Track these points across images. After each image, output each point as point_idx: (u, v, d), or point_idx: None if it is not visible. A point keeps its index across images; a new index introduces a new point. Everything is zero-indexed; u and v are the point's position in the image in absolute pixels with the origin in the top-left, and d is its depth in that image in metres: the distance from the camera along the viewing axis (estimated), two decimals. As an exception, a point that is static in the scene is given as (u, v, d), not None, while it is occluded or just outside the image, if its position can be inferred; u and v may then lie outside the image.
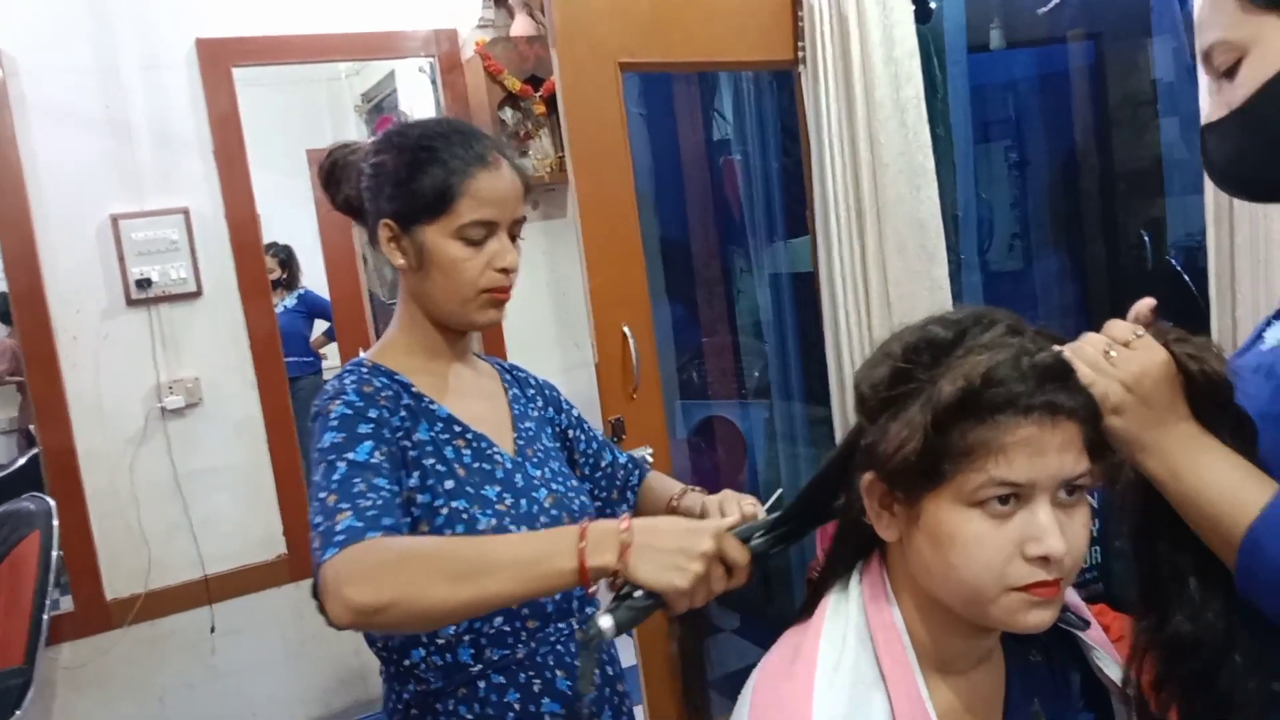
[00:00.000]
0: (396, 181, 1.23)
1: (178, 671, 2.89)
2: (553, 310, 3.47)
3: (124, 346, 2.78)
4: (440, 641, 1.20)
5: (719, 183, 3.73)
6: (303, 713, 3.09)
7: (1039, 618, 0.80)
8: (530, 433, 1.36)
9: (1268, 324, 0.99)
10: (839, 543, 0.94)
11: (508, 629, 1.22)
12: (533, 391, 1.45)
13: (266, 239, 4.38)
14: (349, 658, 3.13)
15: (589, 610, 1.31)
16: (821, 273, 2.70)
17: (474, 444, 1.26)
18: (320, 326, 4.60)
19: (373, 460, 1.12)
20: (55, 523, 2.59)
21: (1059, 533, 0.77)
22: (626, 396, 2.35)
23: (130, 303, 2.78)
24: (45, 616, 2.50)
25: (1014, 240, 3.66)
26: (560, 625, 1.28)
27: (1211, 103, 0.93)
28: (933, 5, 2.83)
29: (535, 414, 1.41)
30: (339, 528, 1.03)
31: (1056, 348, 0.84)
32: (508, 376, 1.43)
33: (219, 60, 2.87)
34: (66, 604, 2.80)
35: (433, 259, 1.22)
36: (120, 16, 2.75)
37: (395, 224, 1.24)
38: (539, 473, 1.31)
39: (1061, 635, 0.92)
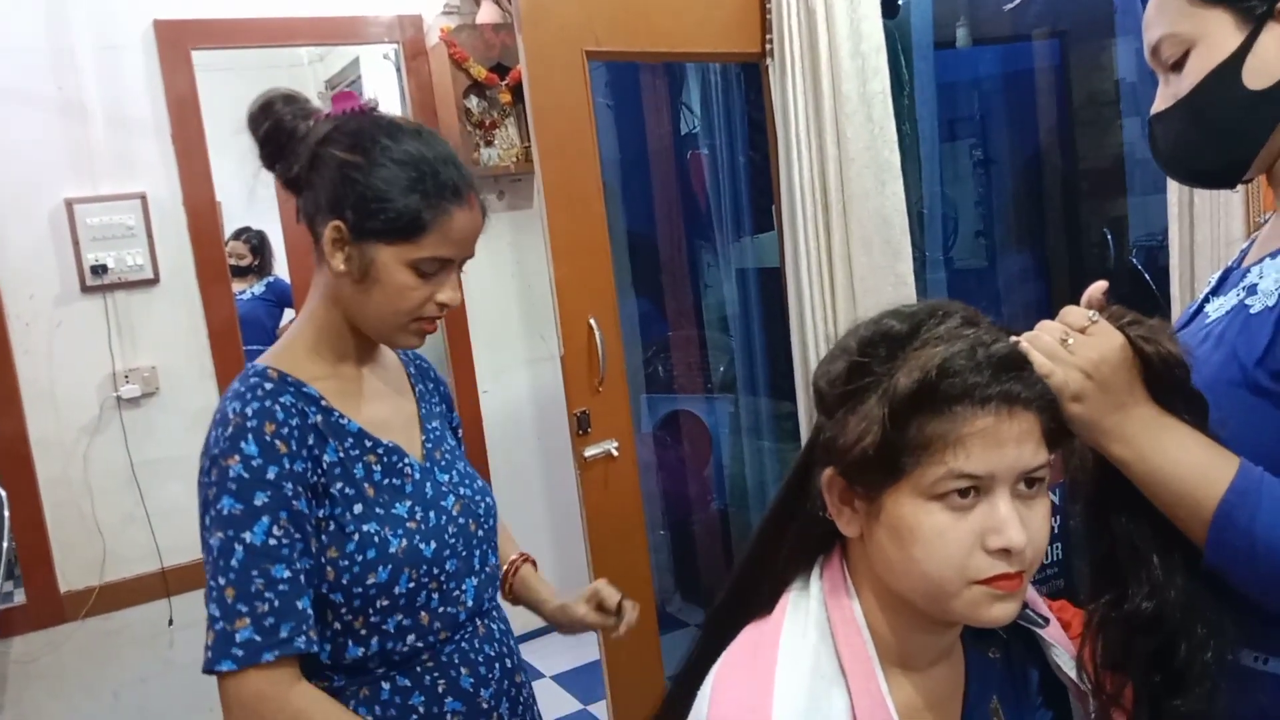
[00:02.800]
0: (365, 192, 1.16)
1: (133, 665, 2.85)
2: (518, 302, 3.45)
3: (79, 334, 2.73)
4: (348, 661, 1.19)
5: (686, 176, 3.72)
6: (260, 706, 3.05)
7: (1002, 611, 0.80)
8: (436, 433, 1.34)
9: (1206, 299, 1.03)
10: (798, 538, 0.93)
11: (421, 645, 1.22)
12: (433, 385, 1.43)
13: (227, 226, 4.33)
14: (308, 651, 3.09)
15: (487, 605, 1.31)
16: (787, 267, 2.70)
17: (384, 458, 1.22)
18: (289, 315, 4.54)
19: (269, 543, 1.09)
20: (6, 513, 2.54)
21: (1019, 524, 0.77)
22: (592, 389, 2.33)
23: (85, 289, 2.72)
24: (-5, 609, 2.45)
25: (978, 237, 3.68)
26: (469, 628, 1.28)
27: (1159, 95, 0.97)
28: (900, 1, 2.83)
29: (439, 411, 1.39)
30: (237, 639, 1.06)
31: (1014, 339, 0.84)
32: (412, 369, 1.39)
33: (177, 42, 2.82)
34: (19, 597, 2.74)
35: (379, 278, 1.17)
36: (75, -5, 2.69)
37: (348, 230, 1.17)
38: (446, 478, 1.29)
39: (1020, 632, 0.93)
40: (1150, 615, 0.87)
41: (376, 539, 1.16)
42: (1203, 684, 0.85)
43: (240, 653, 1.05)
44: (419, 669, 1.22)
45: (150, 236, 2.79)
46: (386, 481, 1.21)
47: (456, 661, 1.25)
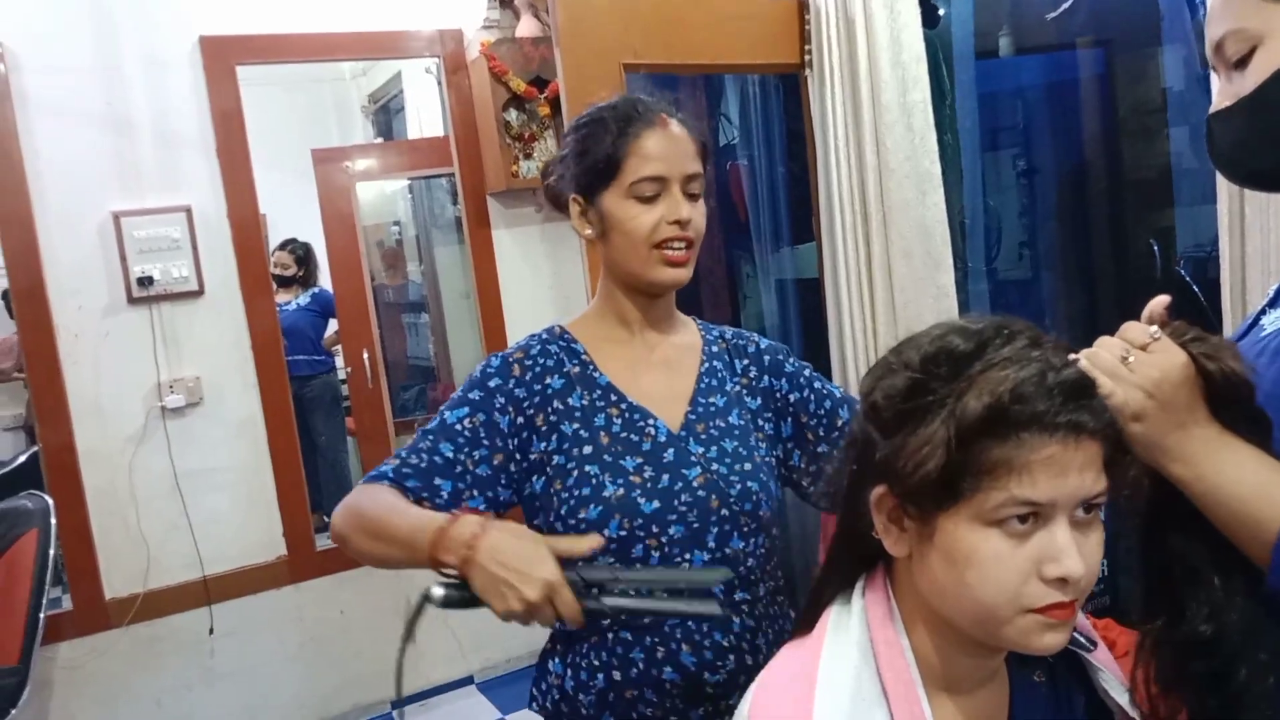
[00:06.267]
0: (575, 157, 1.33)
1: (175, 673, 2.88)
2: (555, 314, 3.46)
3: (125, 345, 2.77)
4: None
5: (725, 187, 3.71)
6: (300, 716, 3.08)
7: (1053, 640, 0.77)
8: (711, 409, 1.35)
9: (1263, 311, 1.00)
10: (839, 555, 0.91)
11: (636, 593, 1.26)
12: (746, 363, 1.43)
13: (272, 238, 4.38)
14: (349, 661, 3.11)
15: (737, 596, 1.31)
16: (827, 278, 2.68)
17: (627, 415, 1.30)
18: (334, 325, 4.58)
19: (457, 425, 1.26)
20: (53, 521, 2.58)
21: (1077, 554, 0.75)
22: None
23: (131, 300, 2.77)
24: (42, 615, 2.49)
25: (1022, 249, 3.63)
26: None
27: (1219, 93, 0.93)
28: (940, 11, 2.80)
29: (735, 388, 1.40)
30: (381, 467, 1.23)
31: (1073, 356, 0.82)
32: (715, 348, 1.43)
33: (222, 58, 2.86)
34: (65, 603, 2.79)
35: (612, 222, 1.30)
36: (123, 13, 2.75)
37: (581, 198, 1.33)
38: (701, 450, 1.30)
39: (1067, 656, 0.90)
40: (1209, 638, 0.84)
41: (594, 480, 1.25)
42: (1261, 710, 0.82)
43: (373, 474, 1.23)
44: (640, 630, 1.25)
45: (195, 249, 2.83)
46: (625, 435, 1.29)
47: (679, 636, 1.25)
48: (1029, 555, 0.76)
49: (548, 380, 1.31)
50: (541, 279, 3.39)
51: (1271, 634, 0.84)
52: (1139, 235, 3.34)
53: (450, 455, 1.24)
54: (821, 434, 1.40)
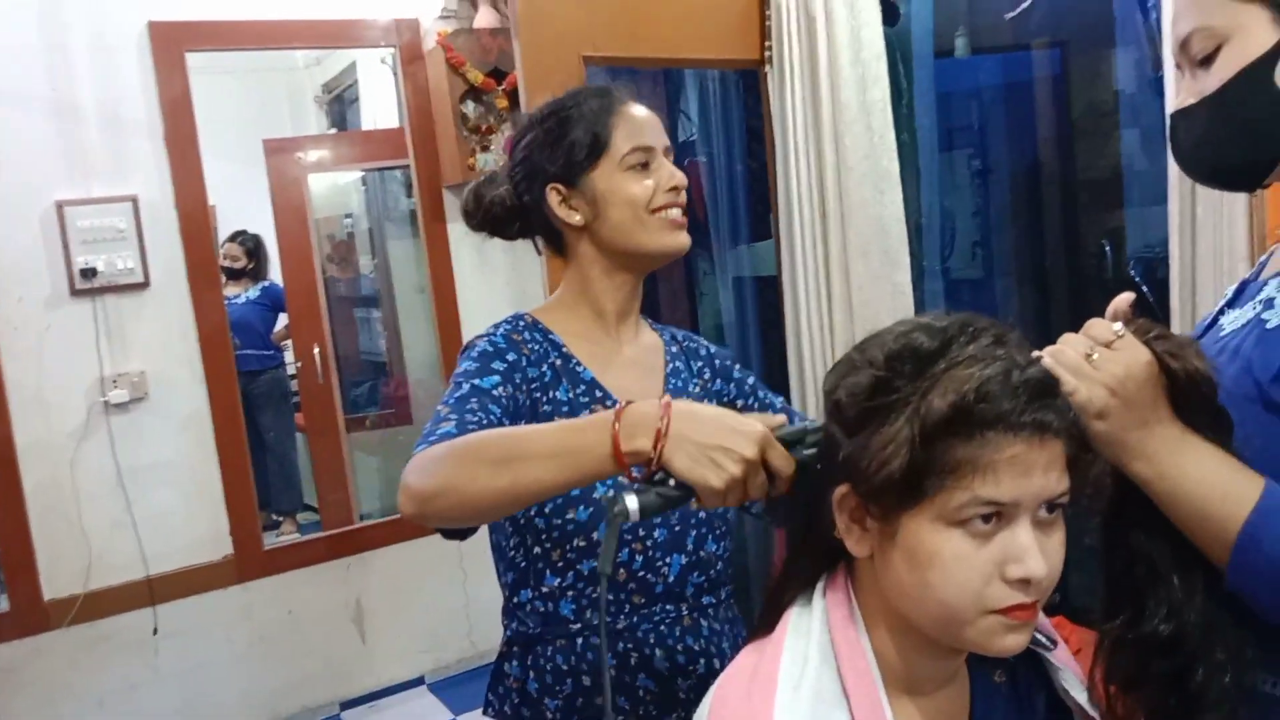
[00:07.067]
0: (550, 146, 1.29)
1: (119, 673, 2.81)
2: (512, 309, 3.42)
3: (67, 338, 2.70)
4: (545, 590, 1.24)
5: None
6: (248, 717, 3.02)
7: (1015, 641, 0.77)
8: None
9: (1222, 311, 1.00)
10: (799, 556, 0.90)
11: (611, 598, 1.22)
12: (700, 365, 1.42)
13: (222, 230, 4.30)
14: (298, 661, 3.06)
15: (705, 600, 1.29)
16: (785, 276, 2.68)
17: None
18: (284, 319, 4.51)
19: (494, 391, 1.18)
20: (-10, 519, 2.51)
21: (1040, 554, 0.75)
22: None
23: (74, 293, 2.69)
24: (-23, 616, 2.42)
25: (975, 248, 3.66)
26: (669, 607, 1.26)
27: (1183, 91, 0.94)
28: (900, 9, 2.81)
29: (697, 389, 1.39)
30: (437, 433, 1.09)
31: (1037, 354, 0.81)
32: (674, 349, 1.41)
33: (172, 44, 2.79)
34: (2, 604, 2.71)
35: (606, 198, 1.27)
36: (69, -5, 2.66)
37: (561, 184, 1.29)
38: None
39: (1027, 656, 0.90)
40: (1168, 637, 0.84)
41: None
42: (1220, 709, 0.83)
43: (434, 439, 1.07)
44: (613, 634, 1.23)
45: (141, 240, 2.76)
46: None
47: (653, 641, 1.24)
48: (991, 556, 0.75)
49: (542, 368, 1.27)
50: (497, 273, 3.36)
51: (1230, 633, 0.84)
52: (1091, 236, 3.38)
53: (500, 418, 1.15)
54: None
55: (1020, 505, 0.75)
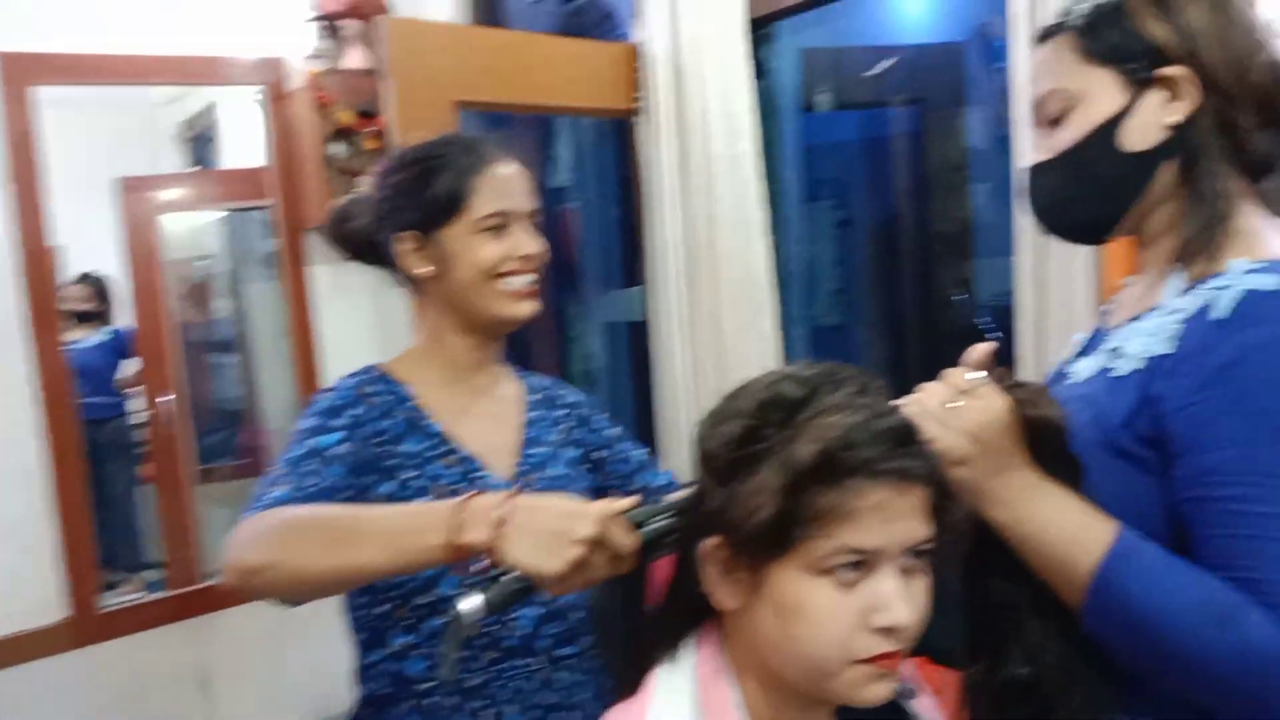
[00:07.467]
0: (411, 193, 1.28)
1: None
2: (377, 355, 3.33)
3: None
4: (394, 649, 1.22)
5: (555, 228, 3.70)
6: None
7: (880, 691, 0.78)
8: (539, 458, 1.33)
9: (1070, 361, 1.05)
10: (667, 612, 0.89)
11: (463, 654, 1.17)
12: (562, 413, 1.41)
13: (69, 272, 4.06)
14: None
15: (560, 651, 1.26)
16: (652, 322, 2.70)
17: (461, 464, 1.27)
18: (133, 365, 4.28)
19: (337, 449, 1.17)
20: None
21: (905, 601, 0.76)
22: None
23: (-102, 336, 2.49)
24: None
25: (837, 295, 3.79)
26: (521, 662, 1.23)
27: (1038, 147, 0.99)
28: (767, 65, 2.90)
29: (557, 437, 1.37)
30: (269, 496, 1.08)
31: (896, 402, 0.83)
32: (535, 398, 1.40)
33: (17, 76, 2.65)
34: None
35: (455, 257, 1.26)
36: (-102, 21, 2.50)
37: (415, 234, 1.28)
38: None
39: (891, 706, 0.91)
40: (1027, 680, 0.87)
41: None
42: None
43: (263, 505, 1.06)
44: (467, 692, 1.19)
45: (-26, 281, 2.58)
46: (458, 488, 1.24)
47: (507, 698, 1.21)
48: (856, 605, 0.76)
49: (386, 422, 1.26)
50: (362, 317, 3.28)
51: (1087, 675, 0.87)
52: (943, 285, 3.54)
53: (336, 480, 1.15)
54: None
55: (884, 553, 0.76)
